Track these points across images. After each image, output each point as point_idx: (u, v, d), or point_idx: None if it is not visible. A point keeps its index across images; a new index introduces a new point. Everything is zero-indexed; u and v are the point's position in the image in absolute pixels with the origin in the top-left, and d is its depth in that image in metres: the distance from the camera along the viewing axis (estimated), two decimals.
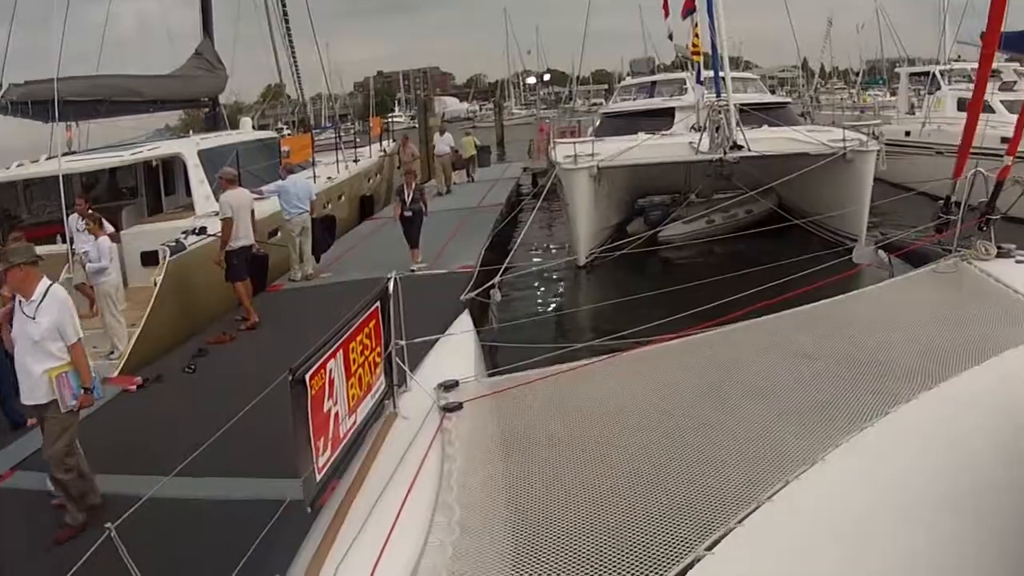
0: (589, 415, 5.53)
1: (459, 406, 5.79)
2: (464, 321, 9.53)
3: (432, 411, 5.80)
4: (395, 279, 5.98)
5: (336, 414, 4.92)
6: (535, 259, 21.84)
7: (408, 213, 16.88)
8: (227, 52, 24.11)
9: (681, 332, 6.78)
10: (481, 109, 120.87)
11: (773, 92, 33.79)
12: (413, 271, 15.99)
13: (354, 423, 5.26)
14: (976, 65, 31.22)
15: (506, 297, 13.15)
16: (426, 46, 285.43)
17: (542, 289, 18.89)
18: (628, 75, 36.87)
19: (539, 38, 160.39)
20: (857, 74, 68.41)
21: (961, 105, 26.81)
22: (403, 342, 6.17)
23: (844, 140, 18.52)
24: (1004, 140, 18.96)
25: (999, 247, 7.51)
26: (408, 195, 17.01)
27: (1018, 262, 7.32)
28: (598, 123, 27.59)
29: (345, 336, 5.11)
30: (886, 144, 19.07)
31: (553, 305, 17.81)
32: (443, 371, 6.53)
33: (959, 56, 34.41)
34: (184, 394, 11.13)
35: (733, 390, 5.56)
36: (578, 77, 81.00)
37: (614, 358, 6.57)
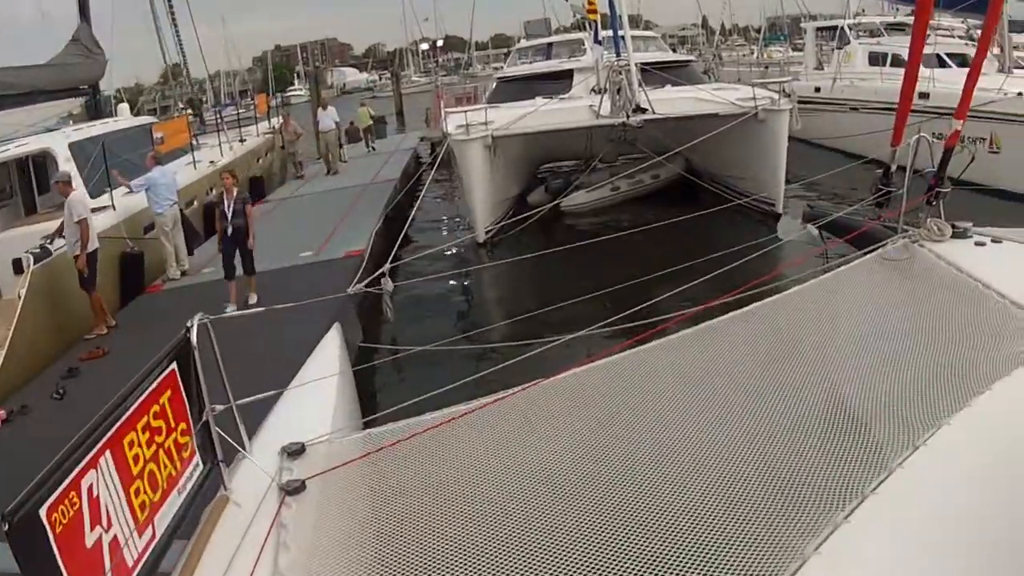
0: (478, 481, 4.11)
1: (302, 485, 4.21)
2: (331, 344, 8.24)
3: (270, 492, 4.25)
4: (201, 325, 4.35)
5: (114, 541, 3.35)
6: (434, 237, 20.26)
7: (230, 230, 13.14)
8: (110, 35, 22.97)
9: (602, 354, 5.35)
10: (381, 79, 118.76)
11: (675, 51, 32.64)
12: (227, 313, 10.20)
13: (152, 539, 3.67)
14: (884, 19, 31.03)
15: (400, 285, 11.67)
16: (324, 20, 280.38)
17: (442, 272, 16.96)
18: (523, 38, 35.27)
19: (436, 4, 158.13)
20: (758, 31, 68.33)
21: (873, 59, 26.44)
22: (221, 407, 4.47)
23: (755, 99, 17.33)
24: (922, 95, 18.55)
25: (953, 225, 6.29)
26: (228, 207, 13.23)
27: (977, 244, 6.08)
28: (493, 88, 25.89)
29: (115, 429, 3.49)
30: (797, 102, 17.94)
31: (453, 290, 16.29)
32: (298, 422, 5.03)
33: (863, 10, 33.80)
34: (52, 427, 9.31)
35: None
36: (476, 42, 78.82)
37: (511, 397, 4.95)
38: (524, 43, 31.83)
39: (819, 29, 34.33)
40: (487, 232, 17.96)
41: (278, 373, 5.82)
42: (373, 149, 33.89)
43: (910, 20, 26.11)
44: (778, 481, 3.50)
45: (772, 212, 17.29)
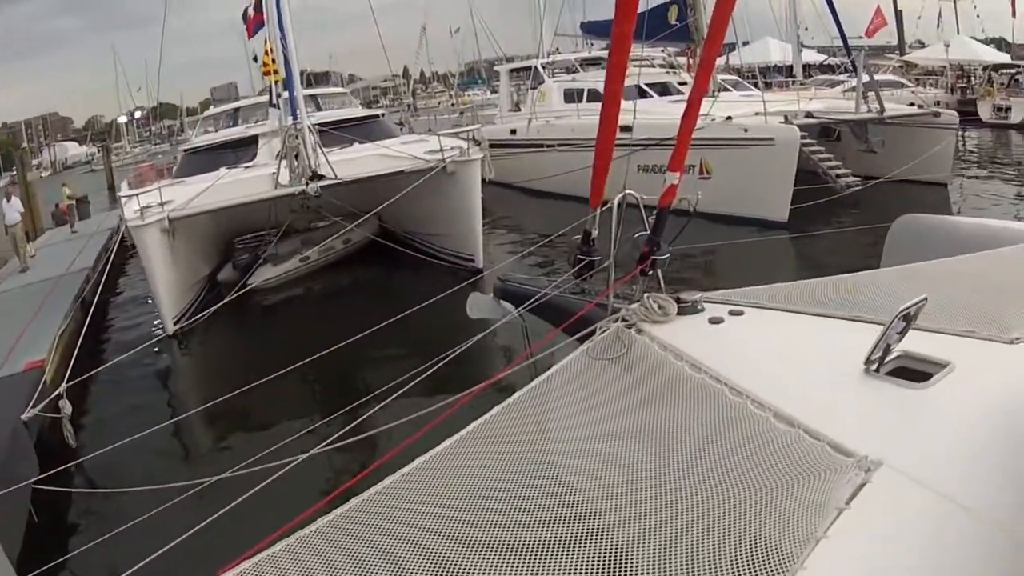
0: None
1: None
2: None
3: None
4: None
5: None
6: (130, 332, 18.06)
7: None
8: None
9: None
10: (99, 151, 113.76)
11: (375, 103, 32.33)
12: None
13: None
14: (579, 55, 31.67)
15: (83, 406, 10.34)
16: (45, 90, 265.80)
17: (131, 381, 14.56)
18: (212, 104, 34.06)
19: (148, 71, 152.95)
20: (456, 76, 69.69)
21: (568, 96, 26.35)
22: None
23: (442, 151, 16.50)
24: (624, 128, 18.69)
25: (679, 299, 4.80)
26: None
27: (713, 321, 4.64)
28: (179, 161, 23.93)
29: None
30: (491, 146, 17.78)
31: (146, 396, 13.90)
32: None
33: (557, 49, 34.47)
34: None
35: None
36: (187, 108, 76.81)
37: None
38: (212, 110, 30.41)
39: (513, 71, 34.37)
40: (175, 322, 16.20)
41: None
42: (75, 231, 31.64)
43: (605, 54, 26.87)
44: None
45: (473, 268, 16.53)
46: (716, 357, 4.07)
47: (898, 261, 6.10)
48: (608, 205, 5.49)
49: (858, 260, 13.74)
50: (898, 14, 63.34)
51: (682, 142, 5.66)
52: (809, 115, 20.80)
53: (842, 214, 18.68)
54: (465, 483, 3.38)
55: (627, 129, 17.60)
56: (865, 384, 3.61)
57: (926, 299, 3.68)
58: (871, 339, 3.68)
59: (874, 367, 3.65)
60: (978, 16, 65.11)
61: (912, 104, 27.28)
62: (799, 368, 3.97)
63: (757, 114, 19.33)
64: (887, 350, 3.66)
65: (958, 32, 58.89)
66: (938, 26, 64.44)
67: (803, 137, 18.78)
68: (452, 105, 49.75)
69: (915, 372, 3.66)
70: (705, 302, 4.89)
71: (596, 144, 5.80)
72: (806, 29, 40.12)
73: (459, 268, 16.55)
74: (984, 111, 40.94)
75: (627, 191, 5.37)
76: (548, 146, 24.93)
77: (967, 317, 4.26)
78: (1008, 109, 40.06)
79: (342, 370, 10.03)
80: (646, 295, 4.82)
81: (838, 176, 19.91)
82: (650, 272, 5.32)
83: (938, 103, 33.00)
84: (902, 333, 3.67)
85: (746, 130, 18.95)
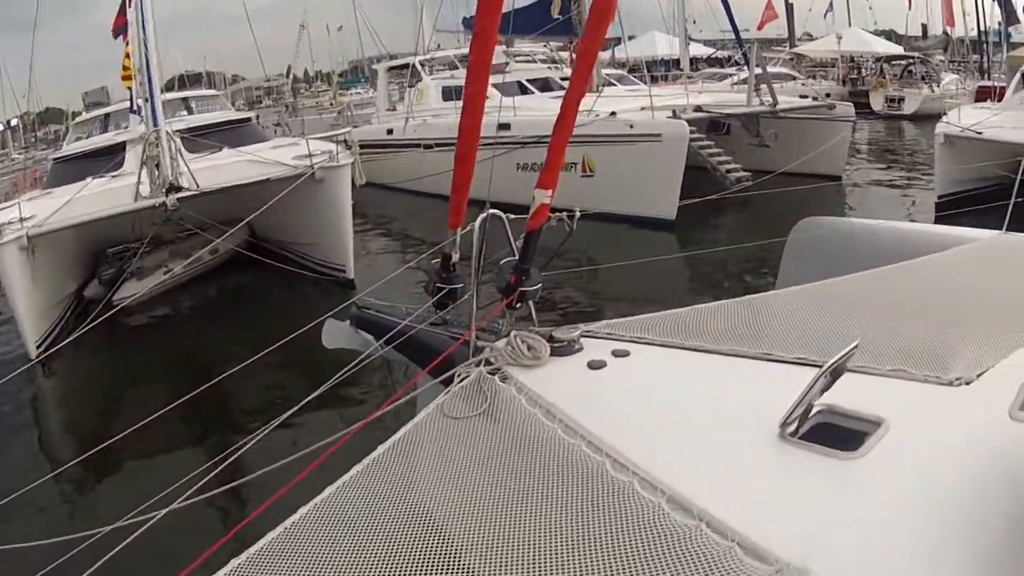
0: None
1: None
2: None
3: None
4: None
5: None
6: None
7: None
8: None
9: None
10: None
11: (258, 103, 31.11)
12: None
13: None
14: (460, 51, 30.89)
15: None
16: None
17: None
18: (84, 110, 32.33)
19: (33, 75, 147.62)
20: (341, 75, 68.45)
21: (446, 94, 25.44)
22: None
23: (311, 156, 15.46)
24: (502, 126, 18.08)
25: (551, 336, 3.97)
26: None
27: (593, 365, 3.77)
28: (49, 171, 22.65)
29: None
30: (368, 147, 16.86)
31: (12, 434, 12.12)
32: None
33: (438, 45, 33.66)
34: None
35: None
36: (73, 112, 73.41)
37: None
38: (84, 116, 28.98)
39: (391, 68, 33.05)
40: (39, 346, 14.75)
41: None
42: None
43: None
44: None
45: (344, 279, 15.73)
46: (595, 416, 3.27)
47: (799, 268, 5.75)
48: (468, 228, 4.61)
49: (751, 257, 13.40)
50: (789, 7, 64.21)
51: (555, 152, 4.52)
52: (698, 109, 20.36)
53: (733, 210, 18.28)
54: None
55: (506, 127, 16.95)
56: (782, 454, 2.85)
57: (857, 347, 2.94)
58: (783, 384, 3.03)
59: (791, 430, 2.89)
60: (870, 8, 66.62)
61: (804, 96, 27.21)
62: (697, 432, 3.18)
63: (643, 109, 18.67)
64: (809, 408, 2.93)
65: (849, 24, 60.01)
66: (825, 17, 65.57)
67: (692, 132, 18.27)
68: (331, 104, 48.47)
69: (842, 433, 2.92)
70: (585, 337, 4.07)
71: (455, 157, 4.77)
72: (694, 22, 40.06)
73: (330, 279, 15.79)
74: (876, 102, 41.71)
75: (490, 210, 4.52)
76: (426, 146, 24.13)
77: (896, 351, 3.57)
78: (901, 100, 40.85)
79: (216, 404, 9.13)
80: (513, 333, 4.01)
81: (728, 171, 19.51)
82: (519, 305, 4.43)
83: (828, 95, 33.18)
84: (827, 388, 2.92)
85: (632, 126, 18.31)
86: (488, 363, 3.89)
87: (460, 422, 3.49)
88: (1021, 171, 6.95)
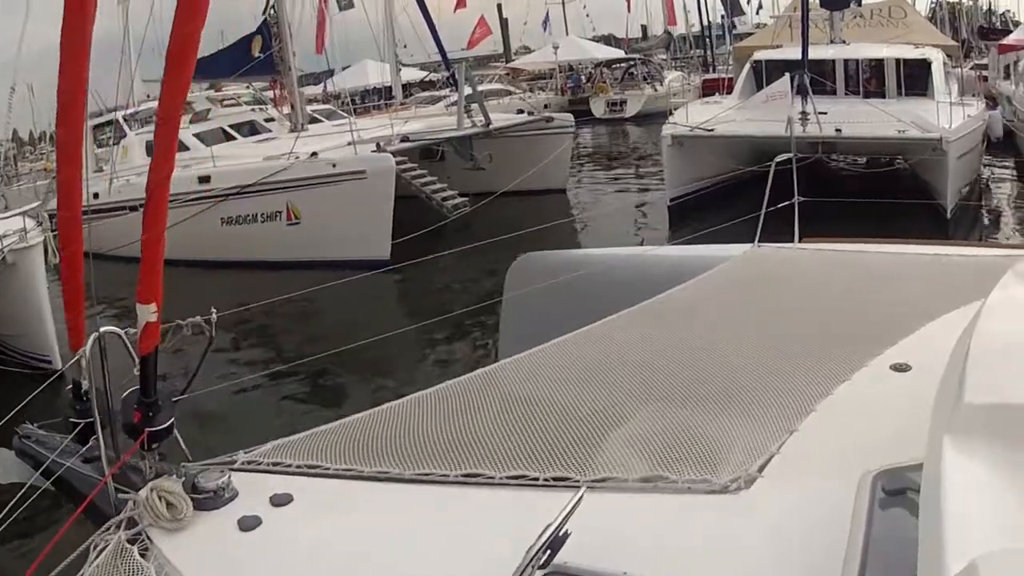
0: None
1: None
2: None
3: None
4: None
5: None
6: None
7: None
8: None
9: None
10: None
11: None
12: None
13: None
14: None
15: None
16: None
17: None
18: None
19: None
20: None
21: (150, 149, 24.09)
22: None
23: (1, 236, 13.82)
24: (202, 180, 17.19)
25: (195, 486, 3.19)
26: None
27: (245, 527, 2.99)
28: None
29: None
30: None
31: None
32: None
33: (148, 95, 32.06)
34: None
35: None
36: None
37: None
38: None
39: (97, 126, 29.85)
40: None
41: None
42: None
43: (199, 96, 25.22)
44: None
45: (52, 370, 13.60)
46: None
47: (521, 318, 5.62)
48: (78, 355, 3.62)
49: (474, 291, 13.14)
50: (503, 22, 64.87)
51: (150, 251, 3.41)
52: (405, 138, 19.91)
53: (456, 239, 18.03)
54: None
55: (205, 180, 16.20)
56: None
57: (582, 497, 2.17)
58: (497, 521, 2.50)
59: None
60: (588, 16, 68.20)
61: (521, 112, 27.30)
62: None
63: (349, 144, 18.12)
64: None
65: (567, 33, 61.12)
66: (545, 29, 66.52)
67: (401, 163, 17.84)
68: (45, 170, 45.32)
69: None
70: (239, 470, 3.29)
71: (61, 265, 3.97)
72: (405, 46, 39.68)
73: (38, 371, 14.28)
74: (597, 108, 42.57)
75: (106, 328, 3.56)
76: (131, 208, 22.64)
77: (644, 450, 2.85)
78: (623, 103, 41.87)
79: None
80: (150, 485, 3.16)
81: (444, 200, 19.21)
82: (155, 445, 3.46)
83: (547, 106, 33.55)
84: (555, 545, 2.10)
85: (334, 165, 17.47)
86: (132, 523, 3.08)
87: None
88: (771, 174, 6.65)
